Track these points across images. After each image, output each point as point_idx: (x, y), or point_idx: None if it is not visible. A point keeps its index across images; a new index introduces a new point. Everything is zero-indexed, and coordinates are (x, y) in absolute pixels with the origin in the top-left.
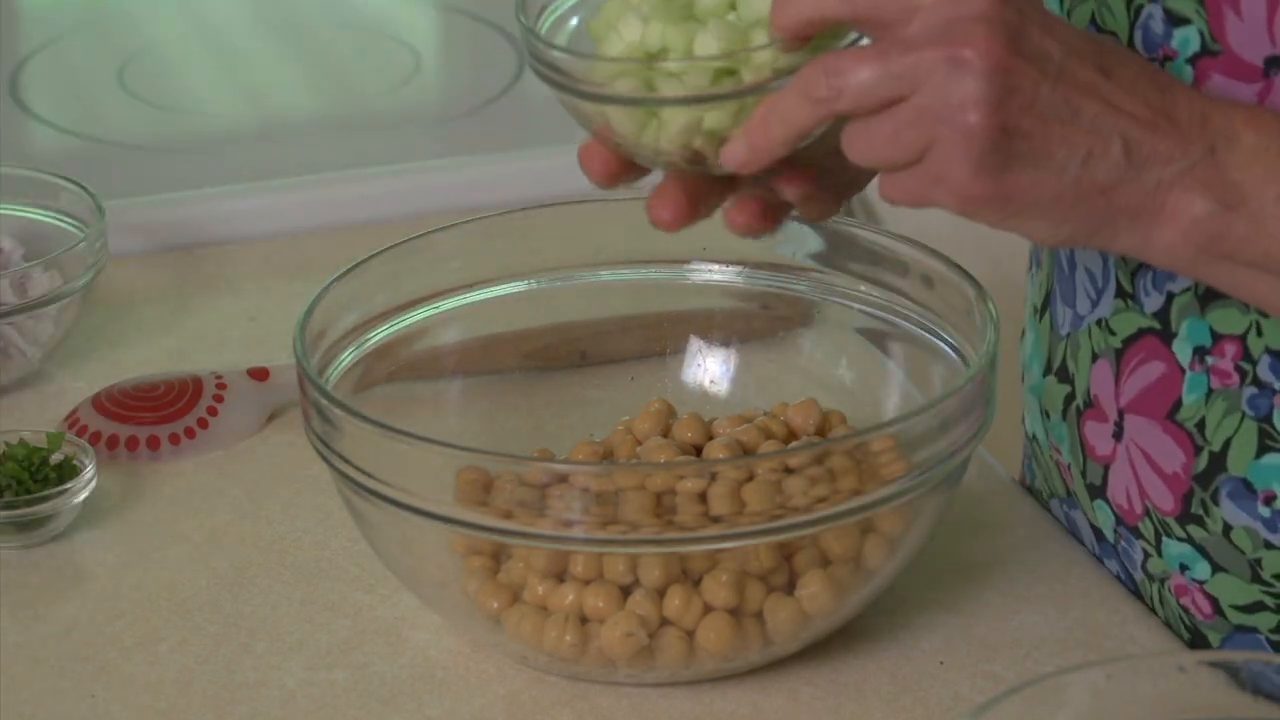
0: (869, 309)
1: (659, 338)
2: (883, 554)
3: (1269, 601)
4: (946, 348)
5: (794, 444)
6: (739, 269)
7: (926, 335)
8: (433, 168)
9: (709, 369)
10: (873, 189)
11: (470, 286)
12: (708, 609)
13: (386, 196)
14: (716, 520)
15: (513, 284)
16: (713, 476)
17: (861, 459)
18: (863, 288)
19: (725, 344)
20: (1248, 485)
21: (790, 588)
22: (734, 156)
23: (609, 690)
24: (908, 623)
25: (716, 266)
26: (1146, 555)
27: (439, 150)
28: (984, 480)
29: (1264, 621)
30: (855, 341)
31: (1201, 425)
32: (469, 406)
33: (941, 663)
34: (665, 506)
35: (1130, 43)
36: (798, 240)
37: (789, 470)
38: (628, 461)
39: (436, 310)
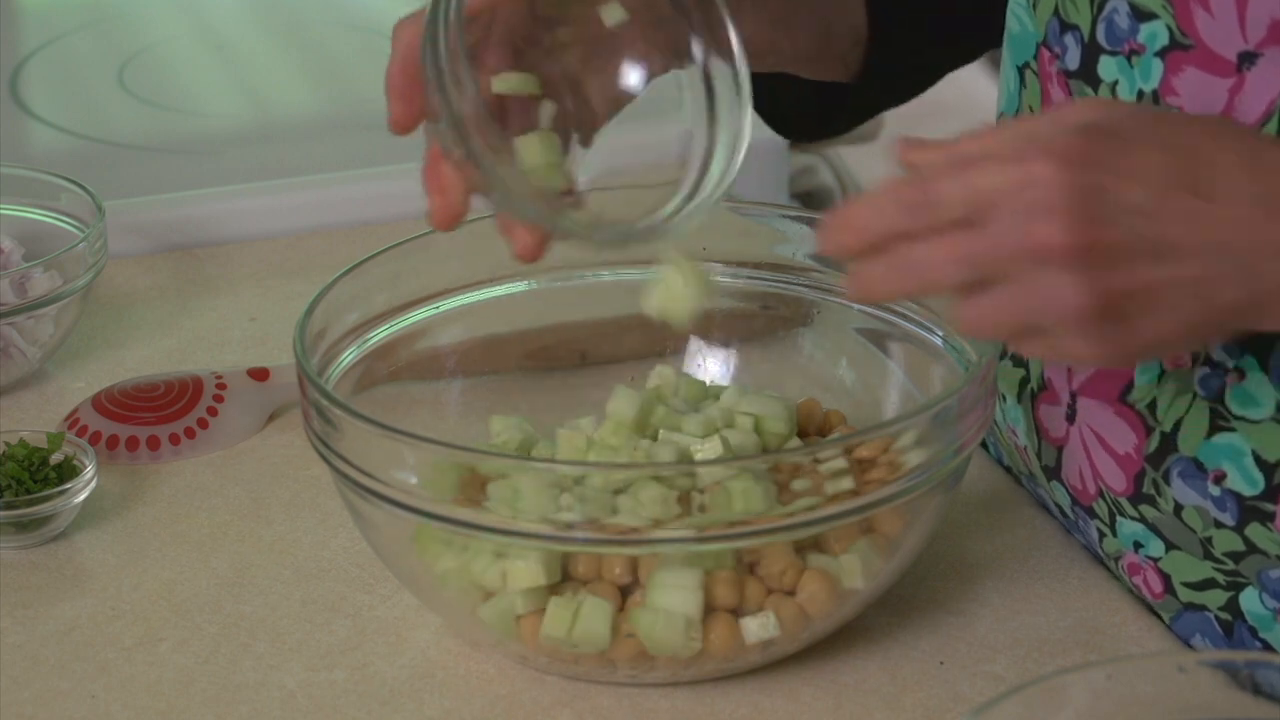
0: (869, 309)
1: (659, 338)
2: (883, 554)
3: (1220, 579)
4: (946, 348)
5: (794, 444)
6: (739, 269)
7: (926, 335)
8: None
9: (709, 369)
10: None
11: (470, 286)
12: (710, 609)
13: (386, 196)
14: (716, 521)
15: (513, 284)
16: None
17: (861, 459)
18: None
19: (725, 344)
20: (1198, 465)
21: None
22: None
23: (609, 690)
24: (908, 623)
25: (717, 266)
26: (1101, 535)
27: None
28: (984, 480)
29: (1213, 599)
30: (855, 341)
31: (1153, 406)
32: (469, 406)
33: (941, 663)
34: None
35: (1092, 36)
36: (798, 240)
37: (789, 471)
38: (628, 462)
39: (436, 310)
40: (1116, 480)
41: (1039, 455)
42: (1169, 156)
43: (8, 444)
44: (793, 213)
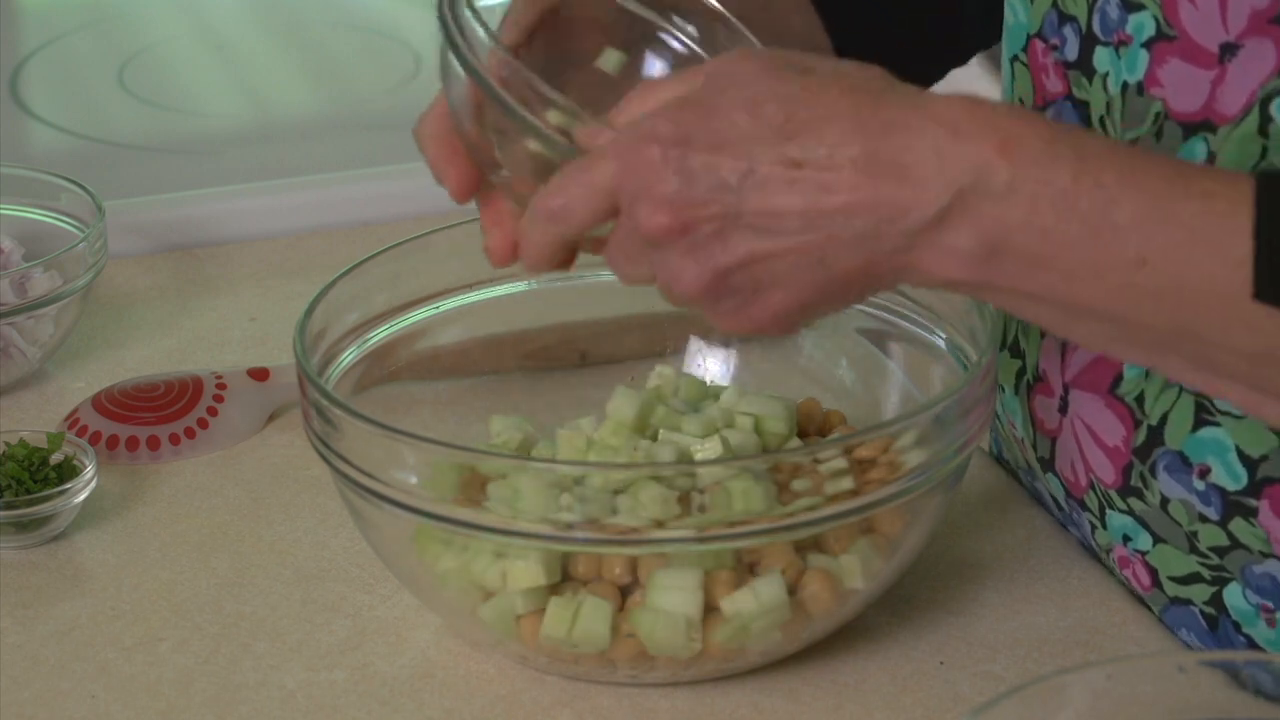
0: (869, 309)
1: (659, 338)
2: (883, 554)
3: (1205, 573)
4: (946, 348)
5: (794, 445)
6: None
7: (926, 335)
8: None
9: (709, 369)
10: None
11: (470, 286)
12: (710, 609)
13: (386, 196)
14: (716, 521)
15: (513, 284)
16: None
17: (861, 459)
18: None
19: (725, 344)
20: (1184, 459)
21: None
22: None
23: (609, 690)
24: (908, 623)
25: None
26: (1093, 527)
27: None
28: (984, 480)
29: (1199, 594)
30: (855, 341)
31: (1141, 399)
32: (469, 406)
33: (941, 663)
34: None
35: (1089, 27)
36: None
37: (789, 471)
38: (628, 462)
39: (436, 310)
40: (1106, 472)
41: (1034, 446)
42: (759, 125)
43: (8, 444)
44: None
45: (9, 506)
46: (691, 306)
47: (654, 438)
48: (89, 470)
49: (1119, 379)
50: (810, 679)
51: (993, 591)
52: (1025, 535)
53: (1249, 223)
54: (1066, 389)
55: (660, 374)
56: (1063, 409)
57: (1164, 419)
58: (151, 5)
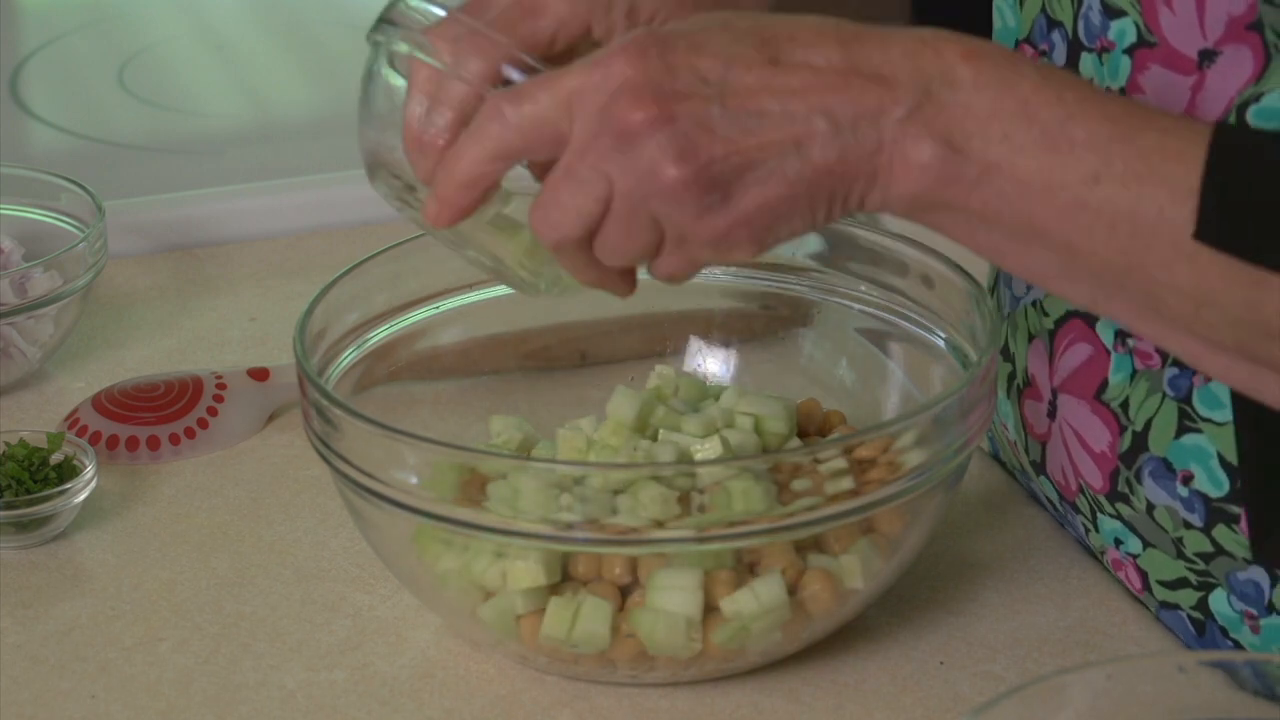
0: (869, 309)
1: (659, 338)
2: (883, 554)
3: (1192, 578)
4: (946, 348)
5: (794, 445)
6: (739, 269)
7: (926, 335)
8: None
9: (709, 369)
10: None
11: (470, 286)
12: (710, 609)
13: None
14: (716, 521)
15: None
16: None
17: (861, 459)
18: (863, 288)
19: (725, 344)
20: (1168, 465)
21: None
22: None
23: (609, 690)
24: (908, 623)
25: (717, 267)
26: (1086, 529)
27: None
28: (984, 480)
29: (1186, 598)
30: (855, 341)
31: (1126, 405)
32: (469, 406)
33: (941, 663)
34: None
35: (1074, 33)
36: (798, 240)
37: (789, 471)
38: (628, 462)
39: (436, 310)
40: (1094, 478)
41: (1026, 450)
42: (737, 36)
43: (8, 444)
44: None
45: (9, 506)
46: (663, 208)
47: (654, 438)
48: (89, 470)
49: (1104, 385)
50: (810, 679)
51: (993, 591)
52: (1025, 535)
53: (1200, 162)
54: (1054, 393)
55: (660, 374)
56: (1051, 414)
57: (1148, 425)
58: (151, 5)
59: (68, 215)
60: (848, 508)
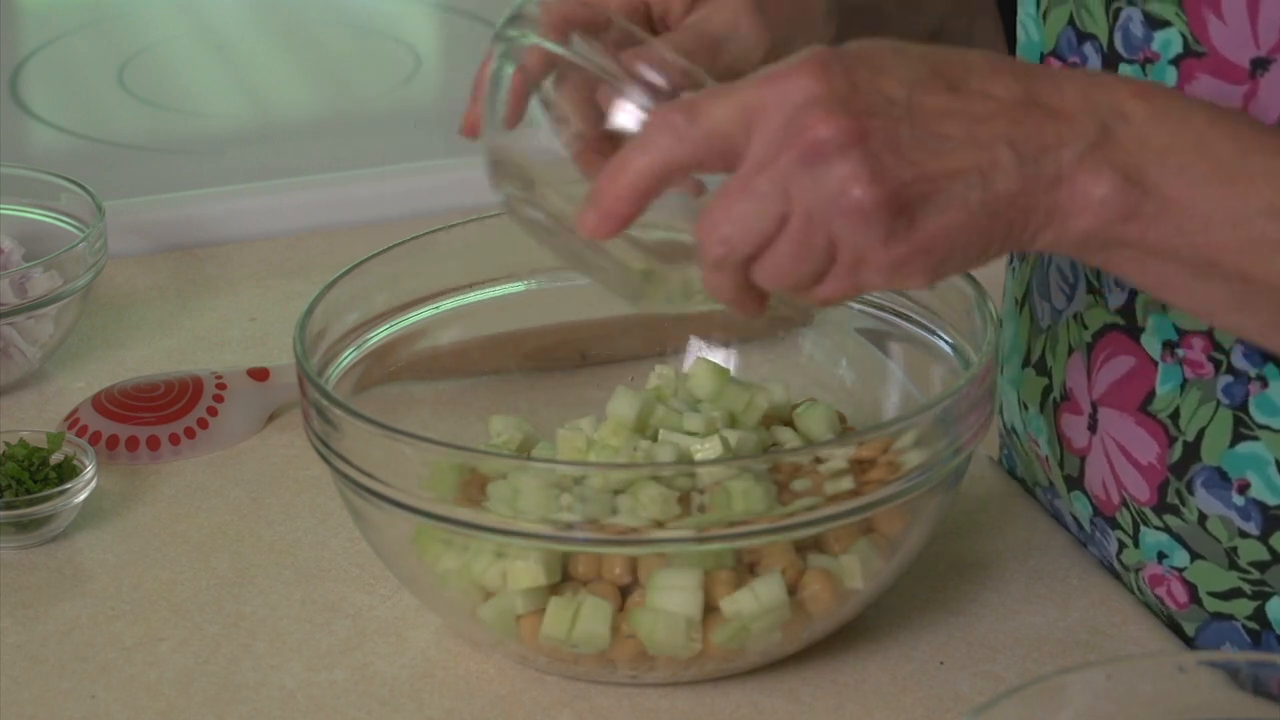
0: (869, 309)
1: (659, 338)
2: (883, 554)
3: (1246, 588)
4: (946, 348)
5: (794, 445)
6: None
7: (926, 335)
8: (433, 168)
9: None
10: None
11: (470, 286)
12: (710, 609)
13: (386, 196)
14: (716, 521)
15: (513, 284)
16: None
17: (861, 459)
18: None
19: (725, 344)
20: (1222, 474)
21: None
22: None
23: (609, 690)
24: (908, 623)
25: None
26: (1121, 546)
27: (439, 150)
28: (984, 480)
29: (1240, 608)
30: (855, 341)
31: (1175, 415)
32: (469, 406)
33: (941, 663)
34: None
35: (1110, 45)
36: None
37: (789, 471)
38: (628, 462)
39: (436, 310)
40: (1140, 490)
41: (1061, 465)
42: (917, 61)
43: (8, 444)
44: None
45: (9, 506)
46: (847, 230)
47: (654, 438)
48: (89, 470)
49: (1151, 396)
50: (810, 679)
51: (993, 591)
52: (1025, 535)
53: None
54: (1095, 406)
55: (660, 374)
56: (1091, 427)
57: (1200, 435)
58: (151, 5)
59: (68, 215)
60: (848, 508)
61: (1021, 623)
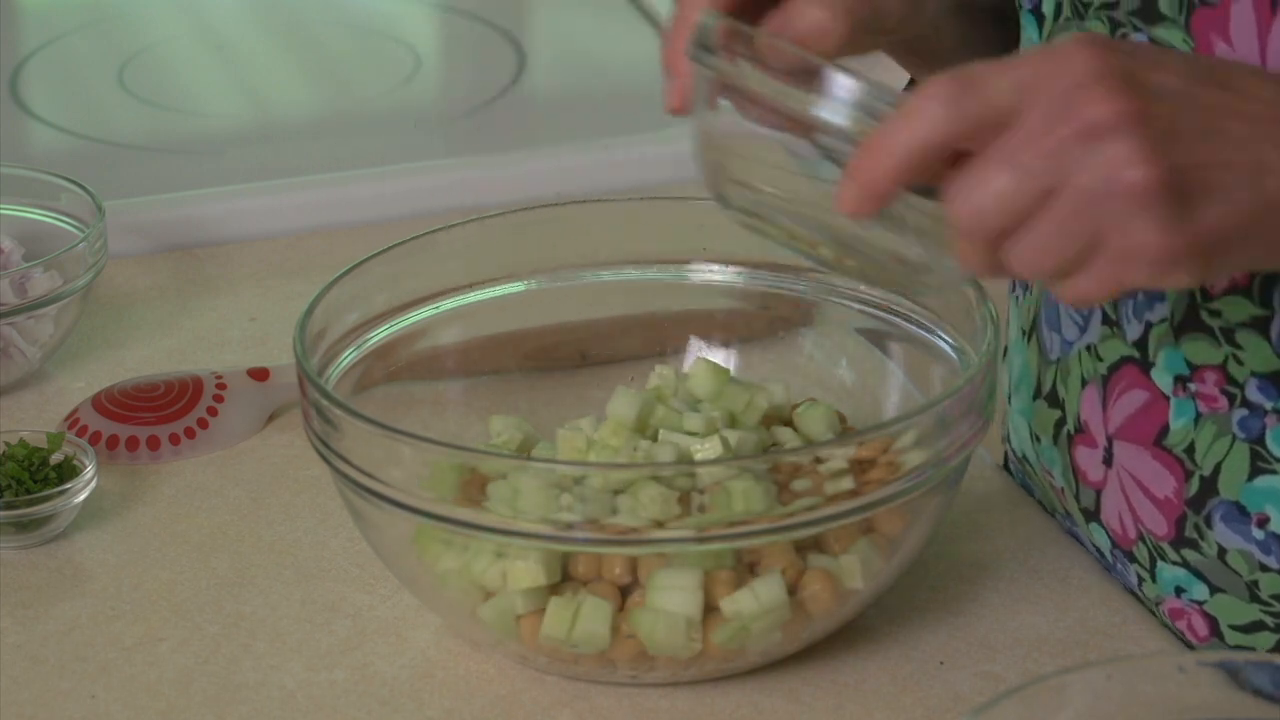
0: (869, 309)
1: (659, 338)
2: (883, 554)
3: (1269, 621)
4: (946, 348)
5: (793, 445)
6: (739, 269)
7: (926, 335)
8: (433, 168)
9: None
10: None
11: (470, 286)
12: (710, 609)
13: (386, 196)
14: (716, 521)
15: (513, 284)
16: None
17: (861, 459)
18: (863, 288)
19: (725, 344)
20: (1240, 508)
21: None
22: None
23: (609, 690)
24: (908, 623)
25: (716, 266)
26: (1140, 579)
27: (439, 150)
28: (984, 480)
29: (1263, 641)
30: (855, 341)
31: (1191, 450)
32: (469, 406)
33: (941, 663)
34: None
35: None
36: None
37: (789, 471)
38: (628, 462)
39: (436, 310)
40: (1157, 524)
41: (1077, 498)
42: (1186, 57)
43: (8, 444)
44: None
45: (9, 506)
46: (1121, 211)
47: (654, 438)
48: (89, 470)
49: (1165, 430)
50: (810, 679)
51: (993, 591)
52: (1025, 535)
53: None
54: (1110, 440)
55: (660, 374)
56: (1107, 461)
57: (1217, 469)
58: (151, 5)
59: (68, 215)
60: (848, 508)
61: (1021, 623)
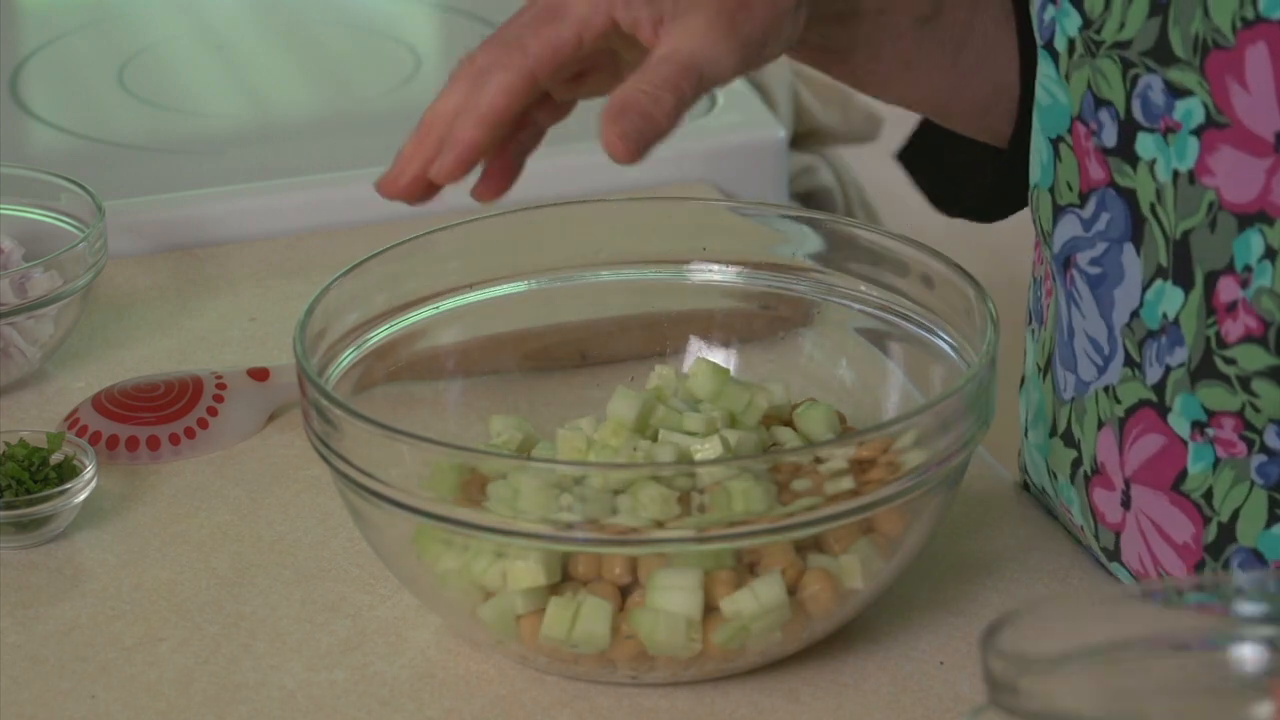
0: (869, 309)
1: (659, 338)
2: (883, 554)
3: None
4: (946, 348)
5: (794, 445)
6: (739, 269)
7: (926, 335)
8: None
9: None
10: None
11: (470, 286)
12: (710, 609)
13: None
14: (716, 521)
15: (513, 284)
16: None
17: (861, 459)
18: (863, 288)
19: (725, 344)
20: (1258, 555)
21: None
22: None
23: (609, 690)
24: (908, 623)
25: (716, 266)
26: None
27: None
28: (984, 480)
29: None
30: (855, 341)
31: (1209, 495)
32: (469, 406)
33: (941, 663)
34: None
35: (1128, 112)
36: (798, 240)
37: (789, 471)
38: (628, 462)
39: (436, 310)
40: (1176, 569)
41: (1096, 536)
42: None
43: (8, 444)
44: (793, 213)
45: (9, 506)
46: None
47: (654, 438)
48: (89, 470)
49: (1183, 475)
50: (810, 679)
51: (993, 591)
52: (1025, 535)
53: None
54: (1128, 484)
55: (660, 374)
56: (1125, 504)
57: (1235, 515)
58: (151, 5)
59: (68, 215)
60: (848, 508)
61: None
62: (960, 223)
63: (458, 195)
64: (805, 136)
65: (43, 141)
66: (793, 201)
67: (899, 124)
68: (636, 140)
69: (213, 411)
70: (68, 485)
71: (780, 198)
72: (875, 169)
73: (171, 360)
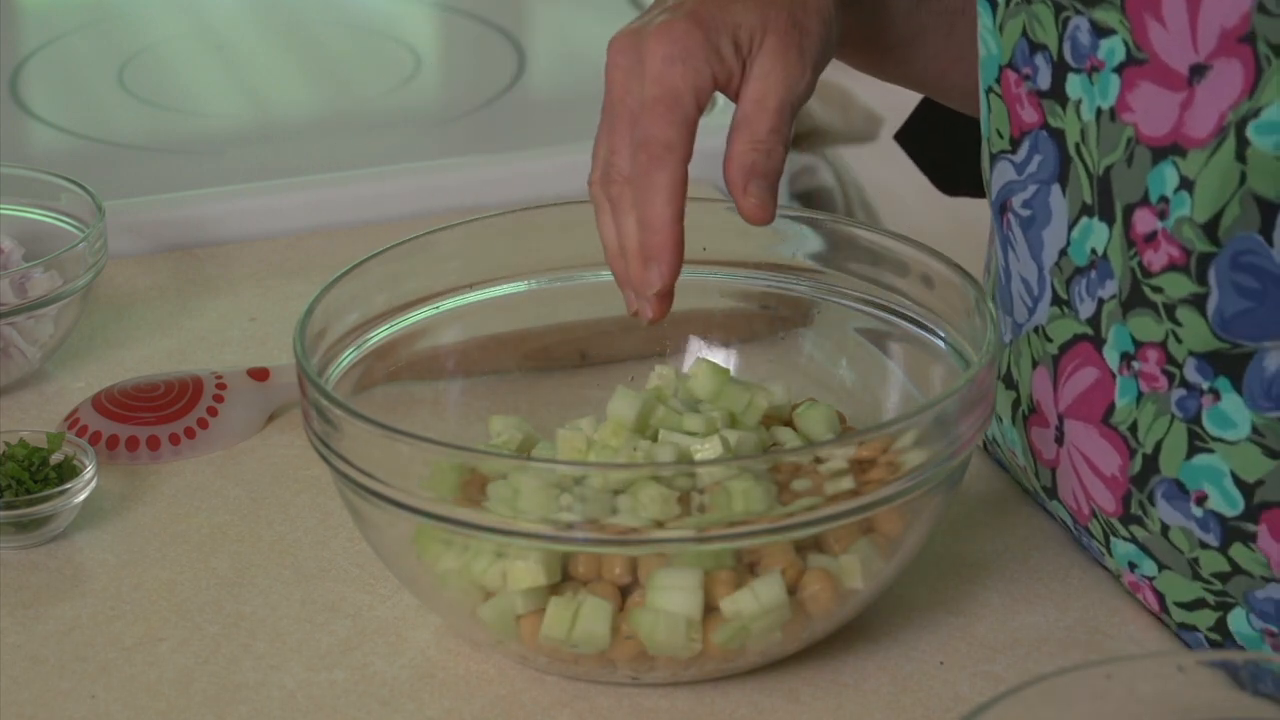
0: (869, 309)
1: (659, 338)
2: (883, 554)
3: (1209, 599)
4: (946, 348)
5: (794, 445)
6: (739, 269)
7: (926, 335)
8: (433, 168)
9: None
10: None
11: (470, 286)
12: (710, 609)
13: (386, 196)
14: (716, 521)
15: (513, 284)
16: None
17: (861, 459)
18: (863, 288)
19: (725, 344)
20: (1180, 486)
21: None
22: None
23: (609, 690)
24: (908, 623)
25: (716, 266)
26: (1101, 553)
27: (439, 150)
28: (984, 480)
29: (1203, 619)
30: (855, 341)
31: (1134, 428)
32: (469, 406)
33: (941, 663)
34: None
35: (1060, 54)
36: (798, 240)
37: (789, 471)
38: (628, 462)
39: (436, 310)
40: (1106, 501)
41: (1036, 476)
42: None
43: (8, 444)
44: (793, 213)
45: (9, 506)
46: None
47: (654, 438)
48: (89, 470)
49: (1111, 408)
50: (810, 679)
51: (993, 591)
52: (1025, 535)
53: None
54: (1061, 419)
55: (660, 374)
56: (1059, 439)
57: (1158, 447)
58: (151, 5)
59: (68, 215)
60: (848, 508)
61: (1021, 623)
62: (959, 223)
63: (458, 195)
64: (805, 136)
65: (43, 141)
66: (793, 201)
67: (899, 124)
68: (769, 201)
69: (213, 411)
70: (68, 485)
71: (780, 198)
72: (875, 169)
73: (171, 360)
